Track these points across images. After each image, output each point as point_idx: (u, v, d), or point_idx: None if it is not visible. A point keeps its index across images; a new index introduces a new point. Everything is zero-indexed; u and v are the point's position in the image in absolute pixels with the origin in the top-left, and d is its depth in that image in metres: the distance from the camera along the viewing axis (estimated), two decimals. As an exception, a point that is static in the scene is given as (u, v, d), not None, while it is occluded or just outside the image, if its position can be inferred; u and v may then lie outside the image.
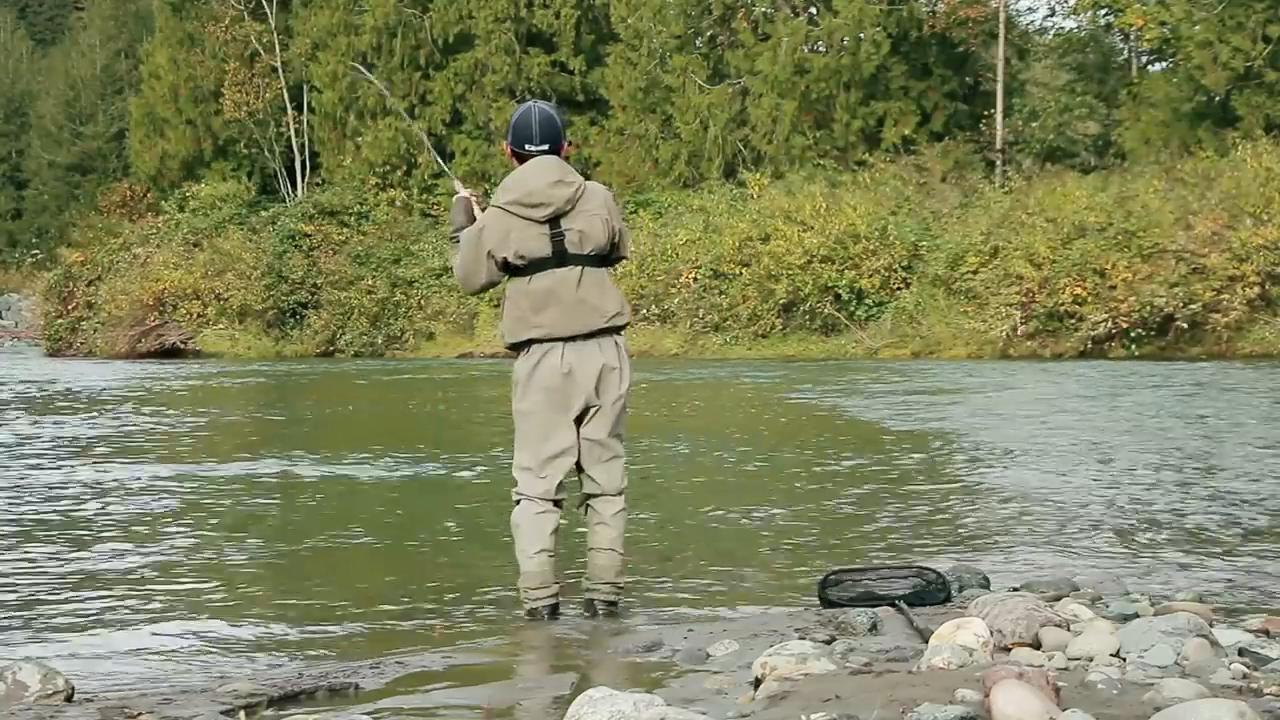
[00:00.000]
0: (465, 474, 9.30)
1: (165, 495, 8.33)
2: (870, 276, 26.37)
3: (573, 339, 4.71)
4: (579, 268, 4.74)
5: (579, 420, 4.75)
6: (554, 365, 4.70)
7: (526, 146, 4.79)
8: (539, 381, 4.72)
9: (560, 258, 4.72)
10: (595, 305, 4.74)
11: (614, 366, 4.77)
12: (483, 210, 4.97)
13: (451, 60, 38.83)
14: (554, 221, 4.72)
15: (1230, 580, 5.25)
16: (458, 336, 31.84)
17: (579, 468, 4.81)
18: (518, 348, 4.79)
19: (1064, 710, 2.88)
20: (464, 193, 5.12)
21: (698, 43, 35.77)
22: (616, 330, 4.81)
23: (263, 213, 38.01)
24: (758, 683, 3.54)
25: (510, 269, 4.76)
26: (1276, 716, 2.90)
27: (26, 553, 6.40)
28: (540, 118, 4.80)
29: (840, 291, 26.52)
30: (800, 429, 12.44)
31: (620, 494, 4.87)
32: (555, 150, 4.79)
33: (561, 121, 4.85)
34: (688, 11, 34.69)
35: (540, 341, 4.73)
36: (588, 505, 4.88)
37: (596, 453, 4.79)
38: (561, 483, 4.78)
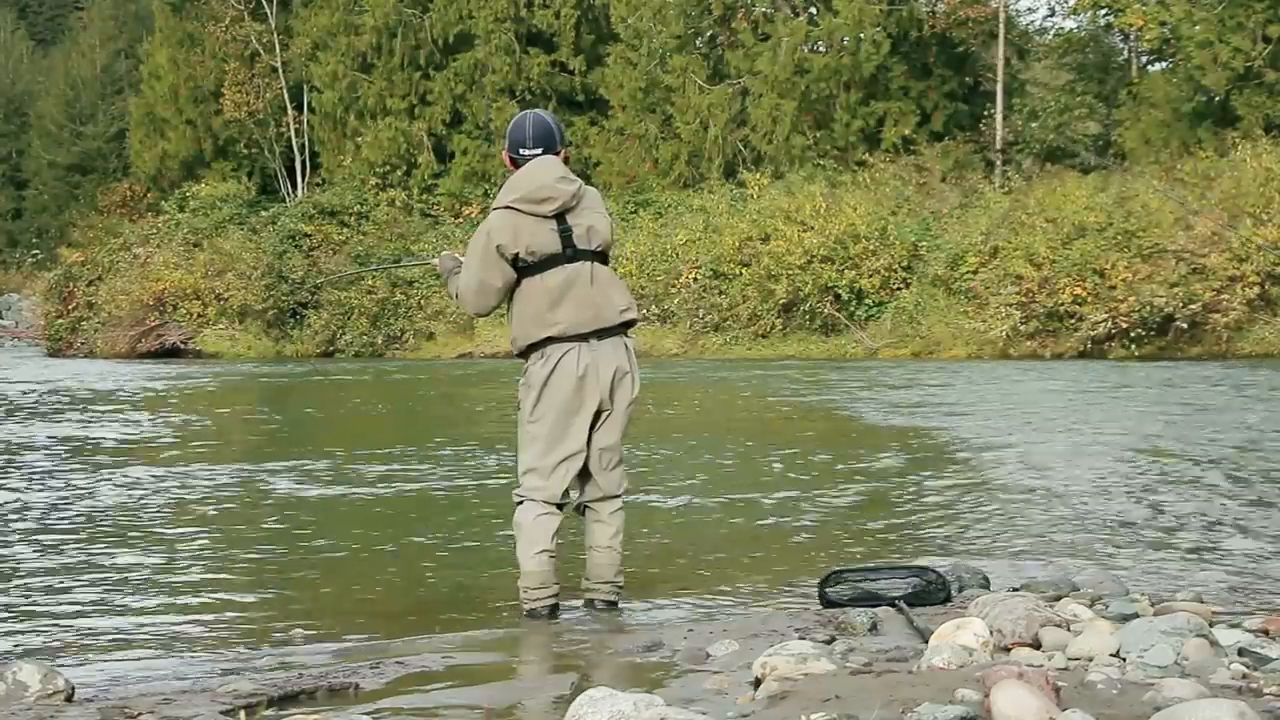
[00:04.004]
0: (465, 474, 9.30)
1: (166, 496, 8.34)
2: (870, 276, 26.37)
3: (587, 339, 4.71)
4: (589, 263, 4.74)
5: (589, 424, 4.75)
6: (570, 367, 4.69)
7: (521, 151, 4.79)
8: (555, 383, 4.69)
9: (570, 253, 4.72)
10: (610, 300, 4.76)
11: (626, 370, 4.78)
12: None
13: (451, 60, 38.82)
14: (560, 217, 4.72)
15: (1230, 580, 5.25)
16: (458, 336, 31.85)
17: (582, 472, 4.80)
18: (531, 350, 4.76)
19: (1064, 710, 2.88)
20: (440, 255, 5.19)
21: (698, 43, 35.75)
22: (627, 327, 4.82)
23: (263, 213, 38.00)
24: (758, 683, 3.54)
25: (520, 269, 4.73)
26: (1276, 717, 2.90)
27: (27, 553, 6.40)
28: (534, 122, 4.81)
29: (840, 291, 26.52)
30: (799, 428, 12.44)
31: (619, 495, 4.88)
32: (551, 154, 4.79)
33: (557, 127, 4.86)
34: (688, 11, 34.67)
35: (558, 341, 4.69)
36: (585, 507, 4.88)
37: (605, 459, 4.80)
38: (567, 488, 4.78)
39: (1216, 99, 28.47)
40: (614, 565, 4.85)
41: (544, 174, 4.72)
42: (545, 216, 4.70)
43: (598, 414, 4.74)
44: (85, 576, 5.82)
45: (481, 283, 4.76)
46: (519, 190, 4.71)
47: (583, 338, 4.71)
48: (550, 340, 4.71)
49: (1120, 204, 24.24)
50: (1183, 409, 12.74)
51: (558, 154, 4.81)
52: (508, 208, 4.72)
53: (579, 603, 4.91)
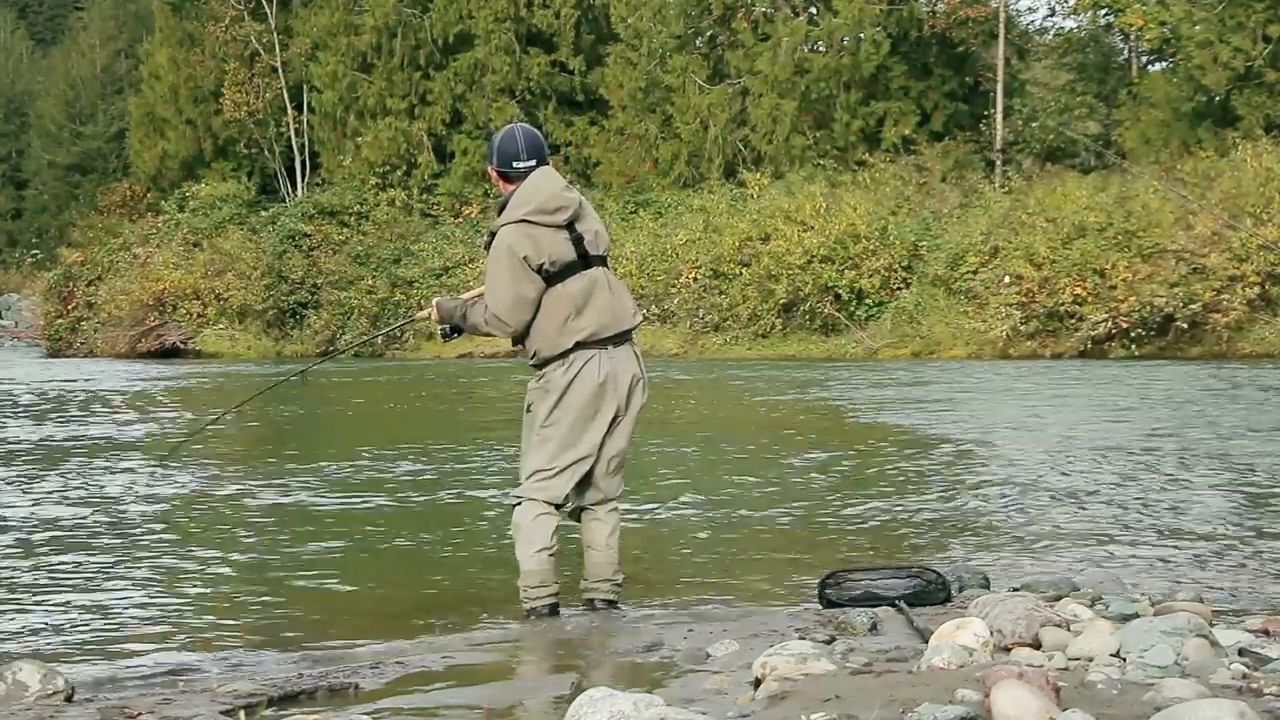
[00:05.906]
0: (463, 474, 9.30)
1: (165, 496, 8.33)
2: (870, 276, 26.38)
3: (606, 346, 4.72)
4: (600, 268, 4.77)
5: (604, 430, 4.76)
6: (592, 374, 4.70)
7: (514, 164, 4.76)
8: (576, 389, 4.70)
9: (584, 259, 4.73)
10: (624, 304, 4.80)
11: (640, 377, 4.82)
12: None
13: (451, 60, 38.82)
14: (570, 225, 4.72)
15: (1230, 580, 5.25)
16: (458, 336, 31.81)
17: (583, 477, 4.80)
18: (554, 359, 4.73)
19: (1064, 710, 2.88)
20: (433, 303, 5.05)
21: (698, 43, 35.75)
22: (634, 330, 4.85)
23: (263, 213, 38.02)
24: (758, 683, 3.54)
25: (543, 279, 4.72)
26: (1276, 717, 2.90)
27: (26, 553, 6.40)
28: (524, 134, 4.82)
29: (840, 291, 26.52)
30: (799, 428, 12.43)
31: (618, 496, 4.90)
32: (543, 164, 4.79)
33: (544, 139, 4.88)
34: (688, 11, 34.67)
35: (584, 346, 4.70)
36: (581, 509, 4.88)
37: (613, 464, 4.82)
38: (568, 492, 4.78)
39: (1216, 99, 28.46)
40: (612, 564, 4.86)
41: (550, 184, 4.73)
42: (559, 226, 4.70)
43: (614, 419, 4.76)
44: (85, 577, 5.82)
45: (517, 296, 4.69)
46: (531, 203, 4.70)
47: (602, 344, 4.72)
48: (578, 345, 4.71)
49: (1120, 204, 24.24)
50: (1182, 409, 12.73)
51: (548, 164, 4.82)
52: (522, 221, 4.70)
53: (579, 603, 4.90)
